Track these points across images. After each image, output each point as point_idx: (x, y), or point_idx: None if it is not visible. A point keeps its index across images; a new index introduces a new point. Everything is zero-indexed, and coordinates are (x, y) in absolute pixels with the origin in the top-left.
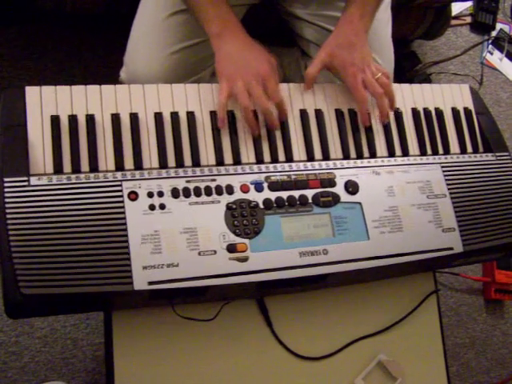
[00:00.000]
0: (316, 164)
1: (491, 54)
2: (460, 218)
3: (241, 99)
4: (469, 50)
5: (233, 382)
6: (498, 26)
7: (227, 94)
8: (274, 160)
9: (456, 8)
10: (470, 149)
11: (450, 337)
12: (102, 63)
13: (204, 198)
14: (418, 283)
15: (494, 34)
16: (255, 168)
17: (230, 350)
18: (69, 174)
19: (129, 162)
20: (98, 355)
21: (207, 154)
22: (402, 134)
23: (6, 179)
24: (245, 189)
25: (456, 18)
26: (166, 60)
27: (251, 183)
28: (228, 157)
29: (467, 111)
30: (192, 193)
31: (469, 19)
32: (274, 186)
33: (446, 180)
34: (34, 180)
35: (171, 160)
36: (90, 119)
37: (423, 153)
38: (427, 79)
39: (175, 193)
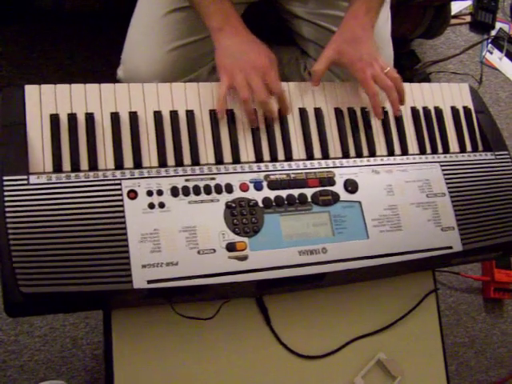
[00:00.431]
0: (315, 163)
1: (491, 53)
2: (459, 216)
3: (241, 91)
4: (468, 49)
5: (232, 381)
6: (498, 25)
7: (227, 86)
8: (274, 159)
9: (455, 7)
10: (469, 148)
11: (450, 336)
12: (101, 62)
13: (203, 196)
14: (418, 282)
15: (493, 33)
16: (254, 167)
17: (230, 349)
18: (68, 172)
19: (128, 161)
20: (98, 354)
21: (206, 153)
22: (401, 133)
23: (5, 178)
24: (244, 187)
25: (455, 17)
26: (163, 58)
27: (250, 182)
28: (227, 155)
29: (467, 110)
30: (191, 191)
31: (468, 18)
32: (274, 185)
33: (446, 179)
34: (33, 178)
35: (170, 159)
36: (90, 118)
37: (422, 152)
38: (427, 78)
39: (174, 191)
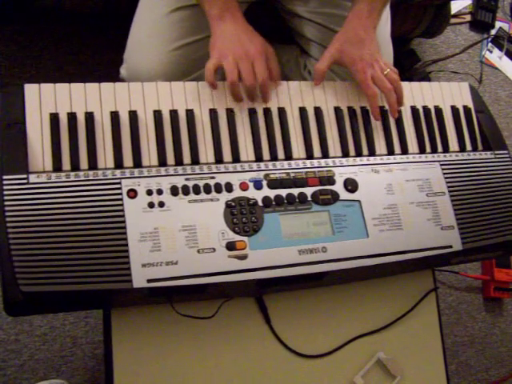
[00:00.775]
0: (315, 162)
1: (490, 52)
2: (459, 215)
3: (229, 73)
4: (468, 48)
5: (232, 380)
6: (498, 24)
7: (215, 62)
8: (273, 158)
9: (455, 6)
10: (469, 147)
11: (449, 335)
12: (101, 61)
13: (203, 195)
14: (417, 281)
15: (493, 32)
16: (254, 166)
17: (229, 348)
18: (68, 171)
19: (128, 160)
20: (97, 353)
21: (206, 152)
22: (401, 132)
23: (5, 177)
24: (244, 186)
25: (455, 16)
26: (166, 57)
27: (250, 181)
28: (227, 155)
29: (466, 109)
30: (191, 190)
31: (468, 17)
32: (273, 184)
33: (445, 178)
34: (33, 178)
35: (170, 158)
36: (89, 117)
37: (422, 151)
38: (426, 77)
39: (174, 190)
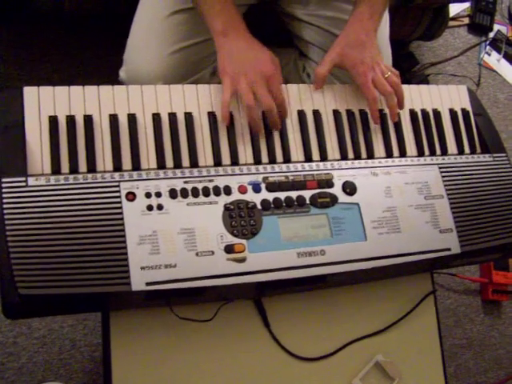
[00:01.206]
0: (314, 165)
1: (489, 55)
2: (457, 218)
3: (246, 98)
4: (466, 51)
5: (231, 382)
6: (496, 27)
7: (231, 92)
8: (272, 161)
9: (454, 9)
10: (467, 150)
11: (448, 337)
12: (100, 63)
13: (202, 198)
14: (416, 284)
15: (491, 35)
16: (253, 169)
17: (228, 351)
18: (67, 174)
19: (127, 163)
20: (96, 356)
21: (205, 155)
22: (399, 135)
23: (3, 180)
24: (242, 189)
25: (454, 19)
26: (165, 59)
27: (249, 184)
28: (226, 157)
29: (465, 112)
30: (190, 193)
31: (466, 20)
32: (272, 187)
33: (444, 181)
34: (31, 180)
35: (169, 161)
36: (88, 120)
37: (421, 154)
38: (425, 80)
39: (173, 193)
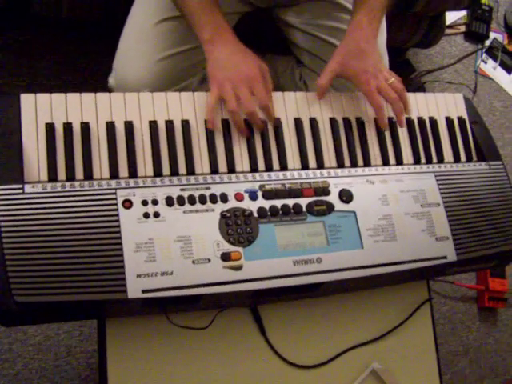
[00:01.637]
0: (310, 173)
1: (485, 62)
2: (454, 226)
3: (228, 103)
4: (463, 58)
5: None
6: (492, 35)
7: (215, 97)
8: (269, 168)
9: (450, 17)
10: (463, 158)
11: (444, 344)
12: (97, 70)
13: (198, 206)
14: (412, 291)
15: (487, 43)
16: (249, 176)
17: (224, 358)
18: (63, 181)
19: (123, 170)
20: (92, 363)
21: (202, 163)
22: (396, 143)
23: (0, 187)
24: (239, 197)
25: (450, 27)
26: (154, 66)
27: (245, 192)
28: (222, 165)
29: (461, 120)
30: (186, 201)
31: (463, 28)
32: (268, 195)
33: (440, 189)
34: (28, 188)
35: (166, 168)
36: (85, 127)
37: (417, 162)
38: (422, 87)
39: (169, 201)
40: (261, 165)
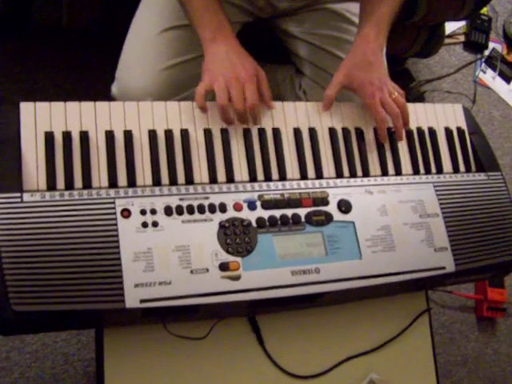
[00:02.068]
0: (309, 183)
1: (484, 72)
2: (452, 237)
3: (219, 96)
4: (462, 68)
5: None
6: (491, 45)
7: (205, 86)
8: (268, 178)
9: (450, 27)
10: (462, 168)
11: (443, 354)
12: (97, 79)
13: (197, 215)
14: (410, 301)
15: (486, 53)
16: (248, 186)
17: (222, 369)
18: (62, 190)
19: (122, 179)
20: (89, 371)
21: (200, 172)
22: (395, 154)
23: None
24: (238, 207)
25: (449, 36)
26: (157, 75)
27: (244, 201)
28: (221, 175)
29: (460, 131)
30: (185, 210)
31: (462, 38)
32: (267, 205)
33: (439, 199)
34: (26, 196)
35: (164, 177)
36: (84, 136)
37: (416, 172)
38: (421, 97)
39: (168, 210)
40: (260, 174)
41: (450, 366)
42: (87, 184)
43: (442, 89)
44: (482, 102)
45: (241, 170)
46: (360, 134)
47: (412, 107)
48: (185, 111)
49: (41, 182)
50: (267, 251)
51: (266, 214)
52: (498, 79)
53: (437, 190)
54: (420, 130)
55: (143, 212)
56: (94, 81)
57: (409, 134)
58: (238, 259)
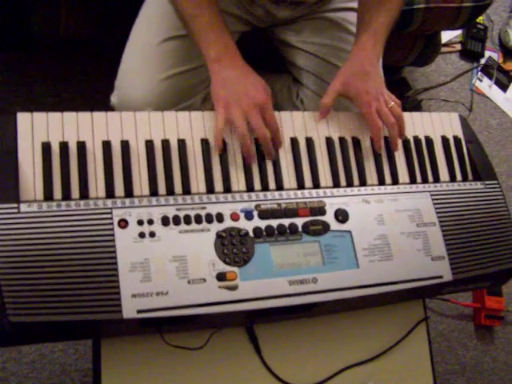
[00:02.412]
0: (306, 192)
1: (480, 80)
2: (449, 246)
3: (239, 127)
4: (458, 76)
5: None
6: (487, 53)
7: (224, 121)
8: (265, 188)
9: (446, 35)
10: (459, 177)
11: (441, 363)
12: (94, 88)
13: (194, 225)
14: (408, 310)
15: (482, 61)
16: (245, 196)
17: (220, 378)
18: (59, 200)
19: (119, 190)
20: (87, 381)
21: (198, 182)
22: (392, 163)
23: None
24: (235, 217)
25: (446, 45)
26: (157, 85)
27: (241, 211)
28: (218, 185)
29: (457, 140)
30: (182, 221)
31: (458, 47)
32: (264, 215)
33: (436, 208)
34: (24, 207)
35: (162, 188)
36: (81, 146)
37: (413, 181)
38: (418, 105)
39: (165, 221)
40: (257, 184)
41: (449, 375)
42: (84, 194)
43: (438, 97)
44: (479, 111)
45: (238, 179)
46: (357, 143)
47: (409, 116)
48: (182, 121)
49: (38, 192)
50: (264, 261)
51: (263, 223)
52: (495, 87)
53: (434, 199)
54: (417, 139)
55: (140, 222)
56: (93, 90)
57: (405, 142)
58: (235, 269)
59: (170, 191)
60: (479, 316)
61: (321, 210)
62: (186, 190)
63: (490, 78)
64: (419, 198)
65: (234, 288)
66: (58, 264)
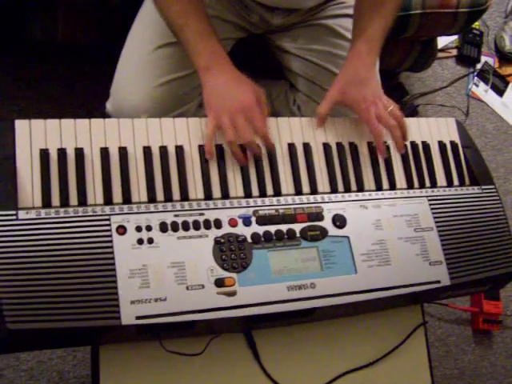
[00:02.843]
0: (304, 198)
1: (477, 85)
2: (447, 250)
3: (226, 133)
4: (455, 81)
5: None
6: (483, 58)
7: (213, 127)
8: (262, 194)
9: (442, 41)
10: (456, 182)
11: (439, 367)
12: (92, 95)
13: (192, 232)
14: (406, 315)
15: (478, 66)
16: (243, 202)
17: None
18: (57, 207)
19: (117, 196)
20: None
21: (195, 188)
22: (389, 168)
23: None
24: (233, 223)
25: (442, 50)
26: (152, 92)
27: (239, 217)
28: (216, 191)
29: (453, 145)
30: (180, 227)
31: (454, 52)
32: (262, 220)
33: (433, 213)
34: (22, 214)
35: (160, 194)
36: (79, 153)
37: (410, 186)
38: (414, 111)
39: (163, 227)
40: (254, 190)
41: (447, 380)
42: (82, 201)
43: (435, 102)
44: (475, 115)
45: (236, 185)
46: (354, 148)
47: (406, 122)
48: (179, 127)
49: (36, 199)
50: (262, 267)
51: (261, 229)
52: (491, 92)
53: (431, 204)
54: (414, 144)
55: (138, 229)
56: (89, 97)
57: None
58: (234, 275)
59: (168, 197)
60: (477, 320)
61: (319, 216)
62: (184, 197)
63: (487, 82)
64: (417, 203)
65: (232, 294)
66: (57, 271)
